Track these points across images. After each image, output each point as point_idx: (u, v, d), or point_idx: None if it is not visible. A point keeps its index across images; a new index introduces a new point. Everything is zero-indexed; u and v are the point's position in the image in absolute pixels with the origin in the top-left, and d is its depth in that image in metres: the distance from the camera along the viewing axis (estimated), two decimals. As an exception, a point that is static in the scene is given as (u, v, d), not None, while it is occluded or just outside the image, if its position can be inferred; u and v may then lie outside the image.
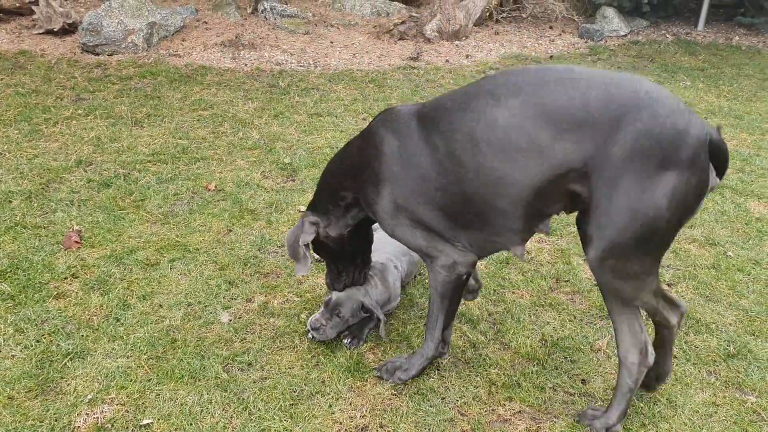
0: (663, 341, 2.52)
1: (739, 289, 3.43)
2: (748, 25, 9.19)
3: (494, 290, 3.36)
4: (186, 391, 2.63)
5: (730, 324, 3.14)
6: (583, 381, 2.78)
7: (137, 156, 4.69)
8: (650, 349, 2.41)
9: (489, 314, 3.18)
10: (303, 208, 4.06)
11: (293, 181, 4.50)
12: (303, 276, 3.18)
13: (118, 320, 3.02)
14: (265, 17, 8.68)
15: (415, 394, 2.67)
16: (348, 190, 2.72)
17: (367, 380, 2.73)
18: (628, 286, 2.24)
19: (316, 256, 3.19)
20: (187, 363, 2.77)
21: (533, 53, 8.21)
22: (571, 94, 2.11)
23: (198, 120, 5.47)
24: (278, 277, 3.41)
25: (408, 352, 2.87)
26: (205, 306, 3.15)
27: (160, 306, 3.13)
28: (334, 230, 2.82)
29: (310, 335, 2.90)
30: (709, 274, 3.56)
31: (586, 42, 8.72)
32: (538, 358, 2.88)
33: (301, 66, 7.21)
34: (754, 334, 3.05)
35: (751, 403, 2.64)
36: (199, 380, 2.69)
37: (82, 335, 2.91)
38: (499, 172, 2.23)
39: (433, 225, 2.49)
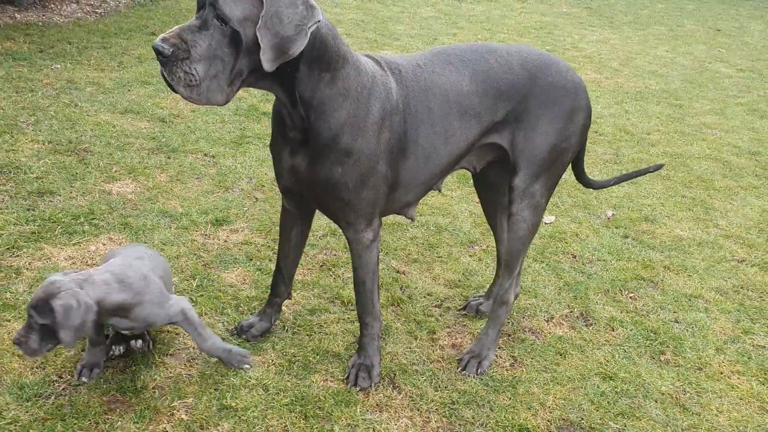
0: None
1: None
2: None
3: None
4: None
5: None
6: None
7: None
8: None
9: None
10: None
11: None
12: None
13: None
14: None
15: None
16: None
17: (370, 396, 2.41)
18: (532, 214, 2.59)
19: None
20: None
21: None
22: (501, 62, 2.47)
23: None
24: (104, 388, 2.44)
25: (348, 354, 2.60)
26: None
27: None
28: None
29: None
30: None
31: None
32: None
33: None
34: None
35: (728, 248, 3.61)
36: None
37: None
38: (456, 130, 2.39)
39: (389, 183, 2.35)
